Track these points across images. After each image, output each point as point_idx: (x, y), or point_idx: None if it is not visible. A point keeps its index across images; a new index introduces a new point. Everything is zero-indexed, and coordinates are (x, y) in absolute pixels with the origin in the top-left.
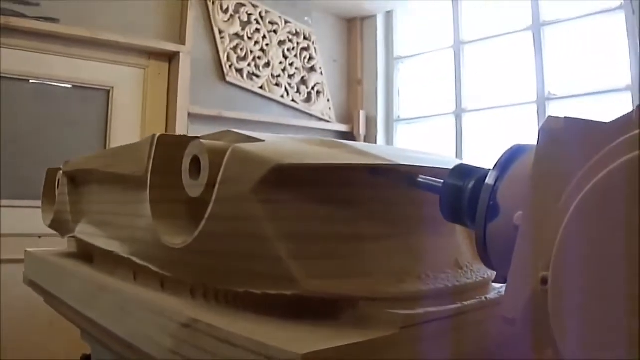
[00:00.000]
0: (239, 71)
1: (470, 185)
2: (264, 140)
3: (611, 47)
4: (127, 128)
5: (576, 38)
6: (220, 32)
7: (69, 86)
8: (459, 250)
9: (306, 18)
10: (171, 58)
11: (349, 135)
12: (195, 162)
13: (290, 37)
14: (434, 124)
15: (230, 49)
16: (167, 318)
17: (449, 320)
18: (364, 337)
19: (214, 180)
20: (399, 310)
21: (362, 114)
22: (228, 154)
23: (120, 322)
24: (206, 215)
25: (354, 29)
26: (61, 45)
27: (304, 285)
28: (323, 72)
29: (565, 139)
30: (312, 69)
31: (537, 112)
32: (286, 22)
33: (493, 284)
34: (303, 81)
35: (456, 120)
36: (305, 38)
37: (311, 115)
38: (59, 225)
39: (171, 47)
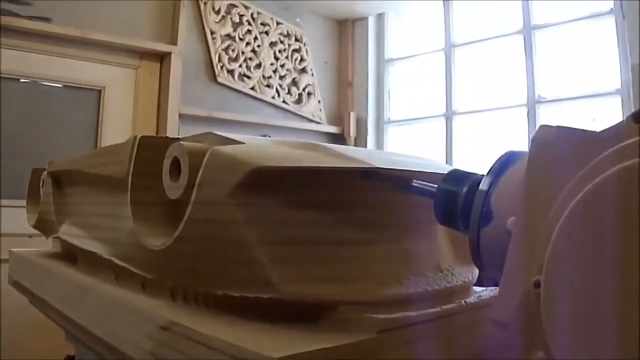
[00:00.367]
0: (230, 72)
1: (464, 190)
2: (244, 143)
3: (601, 51)
4: (118, 128)
5: (566, 42)
6: (212, 32)
7: (60, 86)
8: (440, 254)
9: (298, 19)
10: (162, 58)
11: (339, 137)
12: (176, 164)
13: (282, 38)
14: (424, 126)
15: (222, 49)
16: (147, 320)
17: (428, 323)
18: (341, 341)
19: (193, 183)
20: (379, 314)
21: (352, 115)
22: (207, 156)
23: (102, 323)
24: (184, 218)
25: (345, 31)
26: (53, 45)
27: (281, 289)
28: (314, 74)
29: (557, 147)
30: (303, 70)
31: (527, 115)
32: (278, 23)
33: (474, 287)
34: (294, 82)
35: (446, 122)
36: (296, 39)
37: (302, 117)
38: (43, 226)
39: (163, 47)
